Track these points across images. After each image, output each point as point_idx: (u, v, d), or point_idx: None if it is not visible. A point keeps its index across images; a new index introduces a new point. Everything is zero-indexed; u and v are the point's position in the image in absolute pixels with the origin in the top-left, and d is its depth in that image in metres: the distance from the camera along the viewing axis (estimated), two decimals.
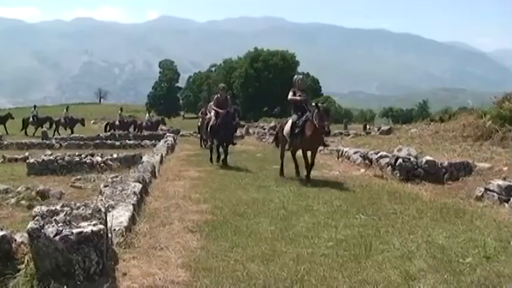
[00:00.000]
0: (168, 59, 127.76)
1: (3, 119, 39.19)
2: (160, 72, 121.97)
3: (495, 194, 8.54)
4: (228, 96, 16.34)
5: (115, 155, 15.12)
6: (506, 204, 8.18)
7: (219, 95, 16.10)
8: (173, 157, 18.40)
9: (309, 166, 11.63)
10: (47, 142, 24.98)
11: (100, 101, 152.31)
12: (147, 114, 36.96)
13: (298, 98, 12.38)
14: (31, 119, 39.12)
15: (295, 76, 13.41)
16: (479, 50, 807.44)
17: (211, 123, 15.70)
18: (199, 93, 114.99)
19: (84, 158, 14.19)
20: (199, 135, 26.59)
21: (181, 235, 6.56)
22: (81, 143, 24.91)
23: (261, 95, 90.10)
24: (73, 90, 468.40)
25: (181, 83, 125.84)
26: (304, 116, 11.67)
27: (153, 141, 24.69)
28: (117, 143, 24.88)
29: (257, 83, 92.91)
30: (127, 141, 26.38)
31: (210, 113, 17.71)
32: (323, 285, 4.78)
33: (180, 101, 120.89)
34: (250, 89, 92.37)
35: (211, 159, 15.89)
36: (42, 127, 36.61)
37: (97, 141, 26.10)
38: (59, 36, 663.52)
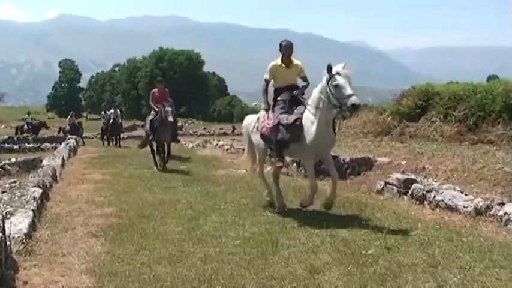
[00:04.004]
0: (68, 59, 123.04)
1: None
2: (60, 72, 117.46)
3: (394, 187, 8.91)
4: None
5: (13, 159, 14.50)
6: (405, 197, 8.55)
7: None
8: (76, 160, 17.82)
9: None
10: None
11: None
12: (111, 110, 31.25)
13: None
14: (25, 126, 36.49)
15: None
16: (378, 49, 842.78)
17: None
18: (102, 93, 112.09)
19: None
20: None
21: (85, 240, 6.36)
22: None
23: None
24: None
25: (83, 83, 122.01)
26: None
27: (53, 144, 23.82)
28: (16, 147, 23.83)
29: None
30: (26, 144, 25.31)
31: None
32: (231, 284, 4.79)
33: (82, 102, 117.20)
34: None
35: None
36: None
37: None
38: None
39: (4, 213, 6.30)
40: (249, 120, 8.87)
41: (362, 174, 10.90)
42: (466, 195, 7.61)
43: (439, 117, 14.98)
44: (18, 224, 6.17)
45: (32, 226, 6.49)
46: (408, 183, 8.66)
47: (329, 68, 7.17)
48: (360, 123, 18.29)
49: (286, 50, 8.10)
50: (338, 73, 7.09)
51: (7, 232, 5.20)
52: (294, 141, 7.55)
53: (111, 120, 27.30)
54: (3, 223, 5.00)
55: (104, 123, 29.28)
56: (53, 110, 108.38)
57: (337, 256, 5.56)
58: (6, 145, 25.00)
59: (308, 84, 8.14)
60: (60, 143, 23.02)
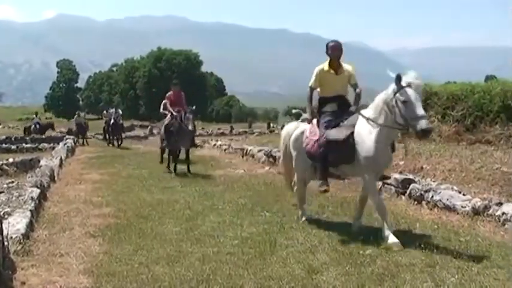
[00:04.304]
0: (66, 59, 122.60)
1: None
2: (58, 72, 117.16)
3: (392, 187, 8.91)
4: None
5: (11, 160, 14.48)
6: (403, 197, 8.56)
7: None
8: (73, 160, 17.81)
9: None
10: None
11: None
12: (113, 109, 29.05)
13: None
14: (33, 126, 36.17)
15: None
16: (376, 49, 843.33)
17: None
18: (100, 93, 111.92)
19: None
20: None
21: (83, 240, 6.36)
22: None
23: (164, 94, 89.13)
24: None
25: (81, 83, 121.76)
26: None
27: (51, 144, 23.79)
28: (13, 147, 23.78)
29: (161, 83, 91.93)
30: (24, 144, 25.26)
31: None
32: (229, 284, 4.79)
33: (80, 102, 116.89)
34: (153, 89, 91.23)
35: None
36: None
37: None
38: None
39: (2, 213, 6.29)
40: (290, 129, 7.69)
41: None
42: (463, 195, 7.62)
43: (437, 117, 14.93)
44: (16, 224, 6.16)
45: (30, 226, 6.49)
46: (406, 183, 8.66)
47: (398, 79, 5.85)
48: None
49: (334, 51, 6.93)
50: (409, 85, 5.79)
51: (5, 232, 5.20)
52: (346, 163, 6.46)
53: (112, 121, 26.57)
54: (1, 223, 4.99)
55: (105, 122, 28.49)
56: (50, 110, 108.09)
57: (335, 256, 5.56)
58: (4, 145, 24.93)
59: (360, 92, 6.97)
60: (58, 143, 23.01)
